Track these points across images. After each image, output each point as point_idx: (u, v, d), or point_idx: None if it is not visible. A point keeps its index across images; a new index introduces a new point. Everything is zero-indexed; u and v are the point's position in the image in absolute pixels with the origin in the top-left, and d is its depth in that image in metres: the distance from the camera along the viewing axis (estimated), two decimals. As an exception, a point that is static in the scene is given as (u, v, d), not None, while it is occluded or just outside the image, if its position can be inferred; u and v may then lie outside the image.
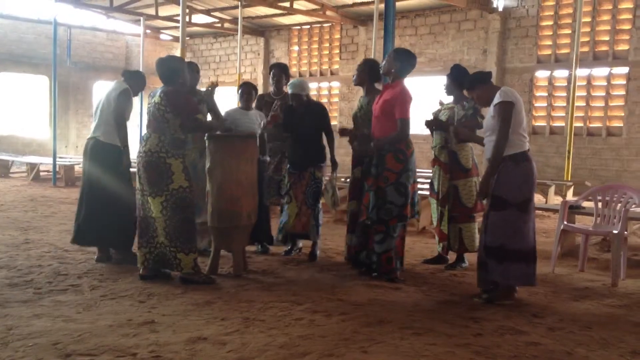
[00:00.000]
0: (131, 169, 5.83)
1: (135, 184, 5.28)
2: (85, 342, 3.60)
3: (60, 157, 14.94)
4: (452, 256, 6.15)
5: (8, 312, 4.12)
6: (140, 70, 6.38)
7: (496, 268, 4.75)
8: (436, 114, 6.09)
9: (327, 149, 6.31)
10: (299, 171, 6.18)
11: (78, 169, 13.95)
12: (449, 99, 6.11)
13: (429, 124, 5.94)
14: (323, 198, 6.28)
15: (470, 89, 5.00)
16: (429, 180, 6.27)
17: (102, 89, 21.14)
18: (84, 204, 5.77)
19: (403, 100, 5.34)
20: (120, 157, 5.73)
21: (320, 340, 3.76)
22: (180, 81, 5.20)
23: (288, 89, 6.21)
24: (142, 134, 5.25)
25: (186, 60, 6.16)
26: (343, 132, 6.07)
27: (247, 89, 6.39)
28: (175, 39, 21.81)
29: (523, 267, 4.74)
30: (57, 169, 13.61)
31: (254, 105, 6.49)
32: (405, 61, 5.47)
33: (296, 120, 6.17)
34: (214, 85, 5.81)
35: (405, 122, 5.33)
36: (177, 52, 15.83)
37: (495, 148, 4.65)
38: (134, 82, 5.97)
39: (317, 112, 6.25)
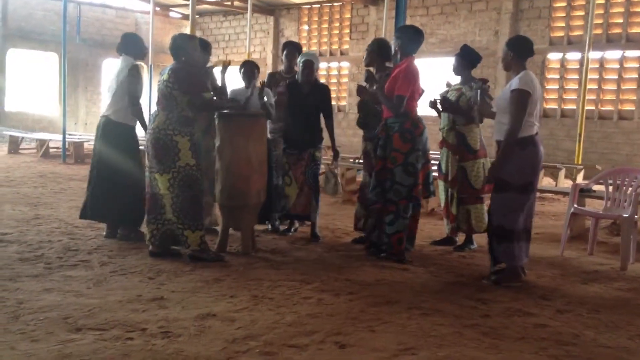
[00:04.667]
0: (140, 147, 5.84)
1: (145, 161, 5.29)
2: (96, 316, 3.63)
3: (69, 134, 14.97)
4: (460, 238, 6.15)
5: (19, 286, 4.15)
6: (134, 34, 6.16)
7: (498, 248, 4.77)
8: (444, 95, 6.05)
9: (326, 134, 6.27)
10: (298, 151, 6.16)
11: (87, 146, 14.02)
12: (456, 80, 6.06)
13: (434, 105, 5.90)
14: (323, 185, 6.27)
15: (512, 47, 4.81)
16: (437, 162, 6.25)
17: (110, 67, 21.24)
18: (93, 181, 5.78)
19: (405, 76, 5.29)
20: (131, 135, 5.74)
21: (328, 319, 3.78)
22: (186, 58, 5.18)
23: (300, 59, 6.18)
24: (152, 112, 5.24)
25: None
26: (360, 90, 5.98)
27: (249, 67, 6.29)
28: (185, 16, 21.74)
29: (520, 246, 4.77)
30: (67, 146, 13.65)
31: (258, 83, 6.42)
32: (409, 37, 5.42)
33: (300, 98, 6.14)
34: (226, 63, 5.76)
35: (400, 99, 5.28)
36: (187, 30, 15.79)
37: (507, 135, 4.62)
38: (131, 47, 5.83)
39: (321, 93, 6.22)
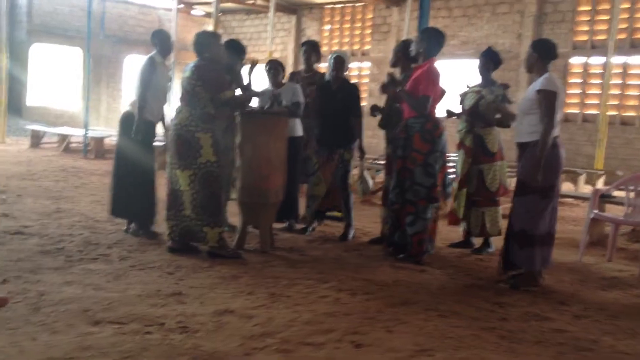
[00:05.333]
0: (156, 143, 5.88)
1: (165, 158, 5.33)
2: (115, 310, 3.67)
3: (91, 129, 15.10)
4: (478, 240, 6.12)
5: (40, 278, 4.21)
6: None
7: (519, 253, 4.75)
8: (463, 97, 6.04)
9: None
10: (328, 152, 6.17)
11: (108, 141, 14.13)
12: (476, 82, 6.04)
13: (450, 114, 5.94)
14: (354, 185, 6.27)
15: (537, 49, 4.80)
16: (454, 164, 6.24)
17: (133, 63, 21.40)
18: (114, 176, 5.85)
19: (427, 78, 5.30)
20: (151, 130, 5.78)
21: (344, 318, 3.79)
22: (209, 55, 5.21)
23: (331, 55, 6.20)
24: (175, 107, 5.28)
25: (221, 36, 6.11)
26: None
27: (274, 65, 6.34)
28: (208, 14, 21.82)
29: (543, 251, 4.74)
30: (88, 141, 13.78)
31: (284, 81, 6.45)
32: (432, 40, 5.42)
33: (329, 98, 6.15)
34: (254, 62, 5.77)
35: (425, 99, 5.29)
36: (209, 28, 15.88)
37: (542, 135, 4.57)
38: (157, 40, 5.89)
39: (351, 92, 6.21)
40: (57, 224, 6.04)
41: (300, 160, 6.29)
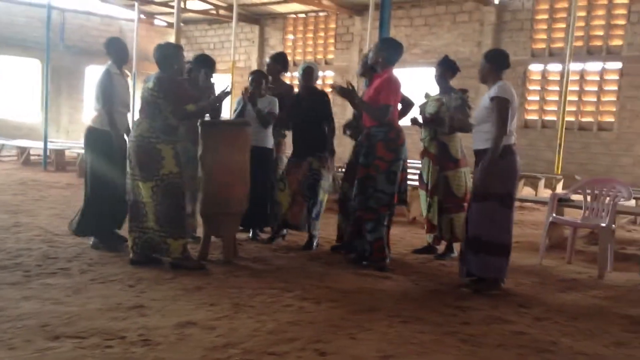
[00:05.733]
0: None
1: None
2: (74, 324, 3.61)
3: (51, 141, 14.87)
4: (441, 246, 6.19)
5: (-3, 294, 4.12)
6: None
7: (472, 259, 4.79)
8: (423, 107, 6.13)
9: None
10: (297, 159, 6.19)
11: (69, 153, 13.93)
12: (435, 91, 6.13)
13: (415, 122, 5.99)
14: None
15: (489, 59, 4.89)
16: (418, 172, 6.30)
17: (94, 74, 21.13)
18: (90, 195, 5.75)
19: (388, 87, 5.38)
20: (109, 141, 5.67)
21: (308, 327, 3.79)
22: (174, 68, 5.19)
23: (300, 69, 6.26)
24: (135, 119, 5.22)
25: (183, 47, 6.09)
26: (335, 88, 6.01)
27: (257, 78, 6.34)
28: (170, 25, 21.68)
29: (498, 260, 4.78)
30: (48, 154, 13.56)
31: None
32: (391, 50, 5.50)
33: (300, 108, 6.20)
34: (226, 93, 5.66)
35: (386, 108, 5.35)
36: (172, 39, 15.78)
37: (494, 142, 4.65)
38: (112, 49, 5.80)
39: (320, 101, 6.24)
40: (15, 238, 5.92)
41: (272, 171, 6.31)
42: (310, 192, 6.11)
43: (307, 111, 6.15)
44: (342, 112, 15.03)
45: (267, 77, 6.44)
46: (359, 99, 5.48)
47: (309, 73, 6.23)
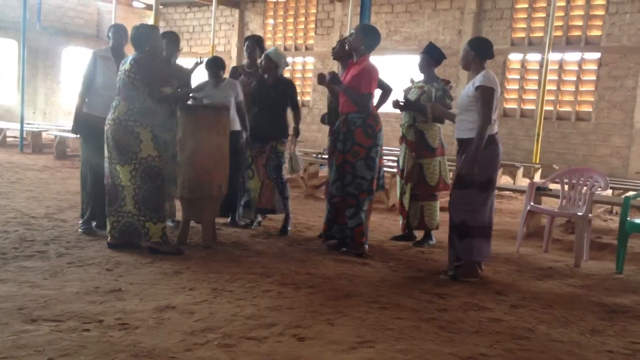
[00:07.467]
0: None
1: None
2: (52, 307, 3.58)
3: (27, 123, 14.67)
4: (419, 233, 6.22)
5: (-28, 277, 4.07)
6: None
7: (458, 244, 4.85)
8: (406, 92, 6.13)
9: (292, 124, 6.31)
10: (260, 144, 6.19)
11: (46, 135, 13.74)
12: (420, 77, 6.13)
13: (397, 105, 5.94)
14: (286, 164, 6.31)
15: (474, 47, 4.86)
16: (396, 158, 6.31)
17: (71, 55, 20.84)
18: (90, 184, 5.74)
19: (368, 75, 5.39)
20: (99, 126, 5.63)
21: (287, 312, 3.79)
22: (149, 49, 5.13)
23: (263, 58, 6.20)
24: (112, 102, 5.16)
25: (161, 29, 6.04)
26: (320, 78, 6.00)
27: (214, 67, 6.21)
28: (148, 7, 21.43)
29: (482, 243, 4.86)
30: (25, 136, 13.37)
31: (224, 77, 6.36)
32: (368, 36, 5.48)
33: (263, 92, 6.18)
34: (197, 63, 5.68)
35: (368, 97, 5.38)
36: (150, 21, 15.58)
37: (479, 130, 4.67)
38: (109, 35, 5.80)
39: (285, 87, 6.22)
40: (-9, 221, 5.85)
41: (239, 153, 6.26)
42: (276, 173, 6.15)
43: (272, 98, 6.16)
44: (321, 95, 15.00)
45: (223, 67, 6.34)
46: (345, 87, 5.46)
47: (266, 61, 6.16)
